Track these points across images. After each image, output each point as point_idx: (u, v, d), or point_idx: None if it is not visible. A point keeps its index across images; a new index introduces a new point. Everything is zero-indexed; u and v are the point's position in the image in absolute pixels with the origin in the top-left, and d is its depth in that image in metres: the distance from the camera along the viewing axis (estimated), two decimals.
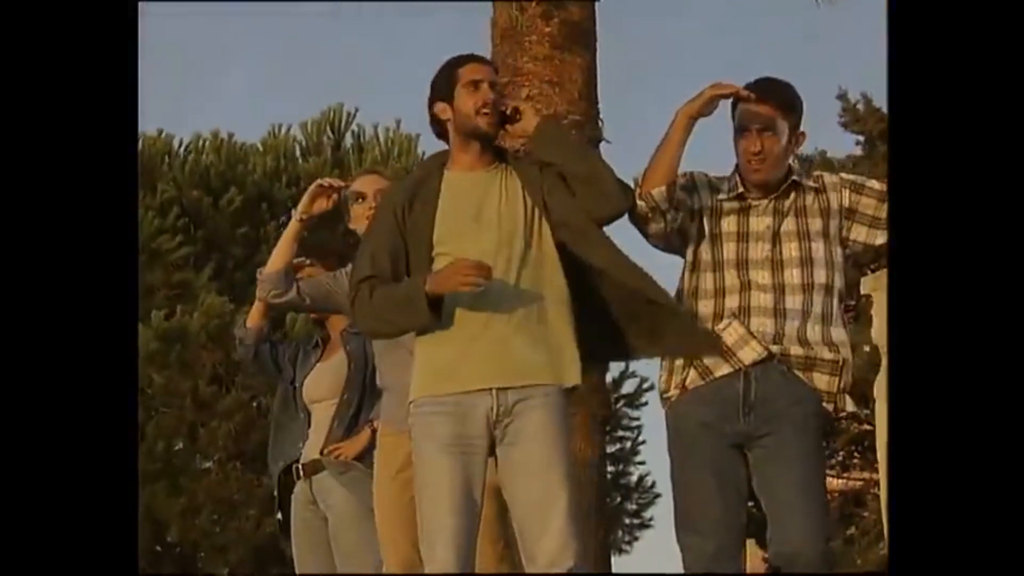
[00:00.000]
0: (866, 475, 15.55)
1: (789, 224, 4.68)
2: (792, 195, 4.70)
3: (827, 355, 4.64)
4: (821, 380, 4.65)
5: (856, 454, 15.79)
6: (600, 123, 9.33)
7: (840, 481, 16.03)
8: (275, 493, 6.06)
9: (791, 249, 4.66)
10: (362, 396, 5.74)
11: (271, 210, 14.24)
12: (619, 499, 15.27)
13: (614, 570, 9.87)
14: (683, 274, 4.81)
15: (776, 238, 4.67)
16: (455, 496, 4.38)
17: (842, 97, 17.83)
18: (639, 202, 4.65)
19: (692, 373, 4.67)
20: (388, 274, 4.54)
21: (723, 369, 4.63)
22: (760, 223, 4.69)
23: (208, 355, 13.35)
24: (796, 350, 4.62)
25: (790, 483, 4.56)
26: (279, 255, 5.37)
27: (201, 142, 14.69)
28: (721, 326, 4.65)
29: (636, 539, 15.45)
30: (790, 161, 4.73)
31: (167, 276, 13.40)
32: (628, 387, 15.29)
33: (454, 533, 4.36)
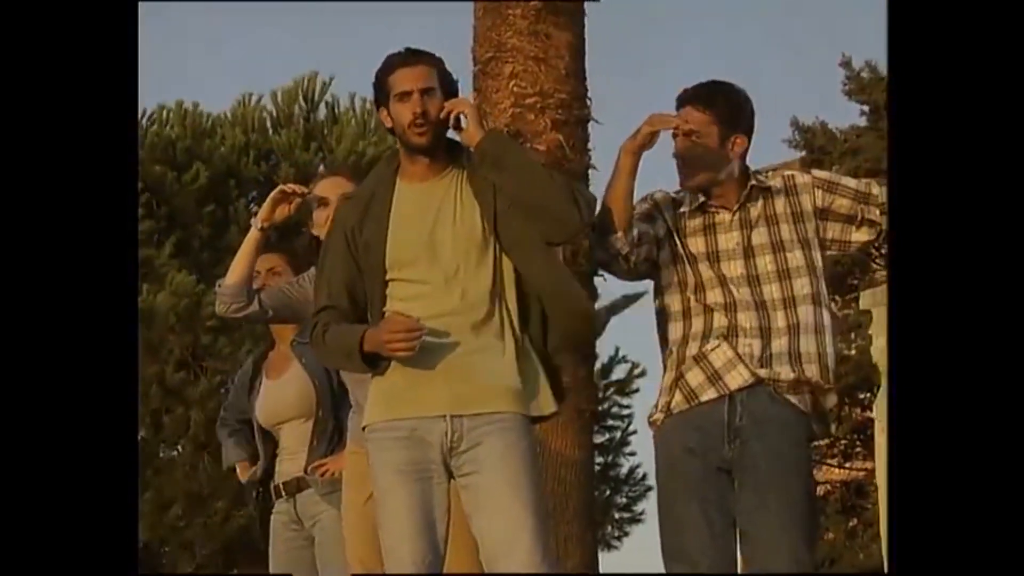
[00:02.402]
0: (868, 464, 15.59)
1: (760, 236, 4.73)
2: (760, 202, 4.75)
3: (817, 375, 4.69)
4: (812, 401, 4.70)
5: (858, 443, 15.85)
6: (588, 102, 9.31)
7: (842, 471, 16.10)
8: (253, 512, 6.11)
9: (766, 263, 4.71)
10: (336, 409, 5.74)
11: (239, 187, 14.20)
12: (608, 492, 15.29)
13: (603, 568, 9.89)
14: (660, 297, 4.83)
15: (748, 253, 4.72)
16: (413, 522, 4.41)
17: (846, 65, 17.82)
18: (599, 252, 4.71)
19: (678, 396, 4.71)
20: (345, 303, 4.56)
21: (709, 393, 4.67)
22: (729, 240, 4.73)
23: (176, 338, 13.32)
24: (785, 373, 4.65)
25: (771, 535, 4.60)
26: (239, 266, 5.32)
27: (165, 113, 14.61)
28: (709, 347, 4.69)
29: (626, 534, 15.47)
30: (742, 170, 4.76)
31: None
32: (619, 373, 15.30)
33: (414, 560, 4.41)
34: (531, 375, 4.51)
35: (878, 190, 4.75)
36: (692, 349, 4.71)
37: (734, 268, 4.71)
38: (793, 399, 4.65)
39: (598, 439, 14.67)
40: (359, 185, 5.02)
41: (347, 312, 4.57)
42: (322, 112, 14.89)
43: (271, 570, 5.94)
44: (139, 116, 14.44)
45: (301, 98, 15.00)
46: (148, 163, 13.98)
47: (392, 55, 4.60)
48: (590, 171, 9.28)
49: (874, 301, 4.72)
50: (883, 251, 7.13)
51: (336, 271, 4.58)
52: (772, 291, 4.69)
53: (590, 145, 9.29)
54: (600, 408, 14.72)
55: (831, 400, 4.74)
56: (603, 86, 9.50)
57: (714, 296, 4.71)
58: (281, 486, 5.87)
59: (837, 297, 17.27)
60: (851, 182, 4.81)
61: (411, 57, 4.55)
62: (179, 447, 13.74)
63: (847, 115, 20.26)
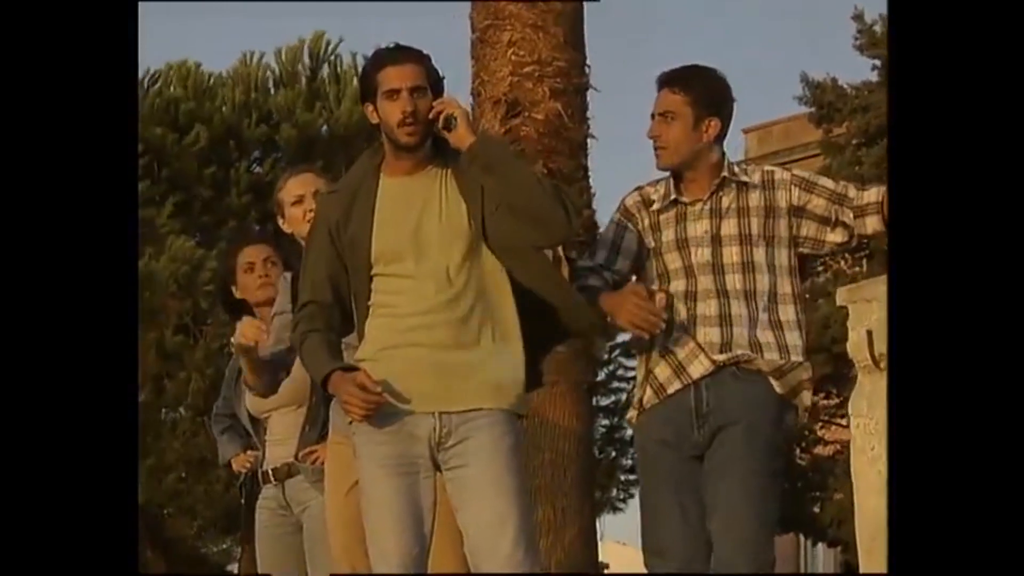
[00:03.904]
0: None
1: (729, 227, 4.81)
2: (733, 193, 4.83)
3: (778, 360, 4.77)
4: (776, 385, 4.78)
5: None
6: (587, 70, 9.32)
7: (848, 431, 16.13)
8: (242, 501, 6.16)
9: (732, 254, 4.79)
10: (328, 397, 5.80)
11: (240, 148, 14.23)
12: (614, 454, 15.39)
13: (608, 528, 9.96)
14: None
15: (716, 242, 4.80)
16: (399, 516, 4.48)
17: (858, 18, 17.75)
18: None
19: (648, 392, 4.82)
20: (328, 297, 4.62)
21: (675, 385, 4.78)
22: (698, 227, 4.82)
23: (175, 303, 13.40)
24: (745, 359, 4.75)
25: (731, 508, 4.70)
26: (257, 378, 5.58)
27: (167, 72, 14.64)
28: (674, 339, 4.78)
29: (631, 496, 15.57)
30: (719, 156, 4.84)
31: None
32: (624, 335, 15.36)
33: (399, 553, 4.47)
34: (517, 370, 4.55)
35: (854, 193, 4.80)
36: (659, 342, 4.80)
37: (701, 255, 4.80)
38: (758, 379, 4.76)
39: (604, 401, 14.76)
40: (327, 180, 5.11)
41: (330, 306, 4.62)
42: (325, 71, 14.89)
43: (258, 556, 6.01)
44: (140, 81, 14.45)
45: (305, 56, 15.00)
46: (149, 125, 14.01)
47: (380, 51, 4.62)
48: (588, 140, 9.32)
49: (850, 297, 4.74)
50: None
51: (319, 265, 4.63)
52: (735, 281, 4.77)
53: (589, 113, 9.32)
54: (606, 370, 14.78)
55: (796, 379, 4.79)
56: (602, 53, 9.50)
57: (678, 285, 4.80)
58: (270, 472, 5.92)
59: (847, 255, 17.30)
60: (828, 183, 4.88)
61: (400, 54, 4.57)
62: (180, 411, 13.84)
63: (858, 71, 20.19)
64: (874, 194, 4.75)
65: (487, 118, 9.08)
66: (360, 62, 14.81)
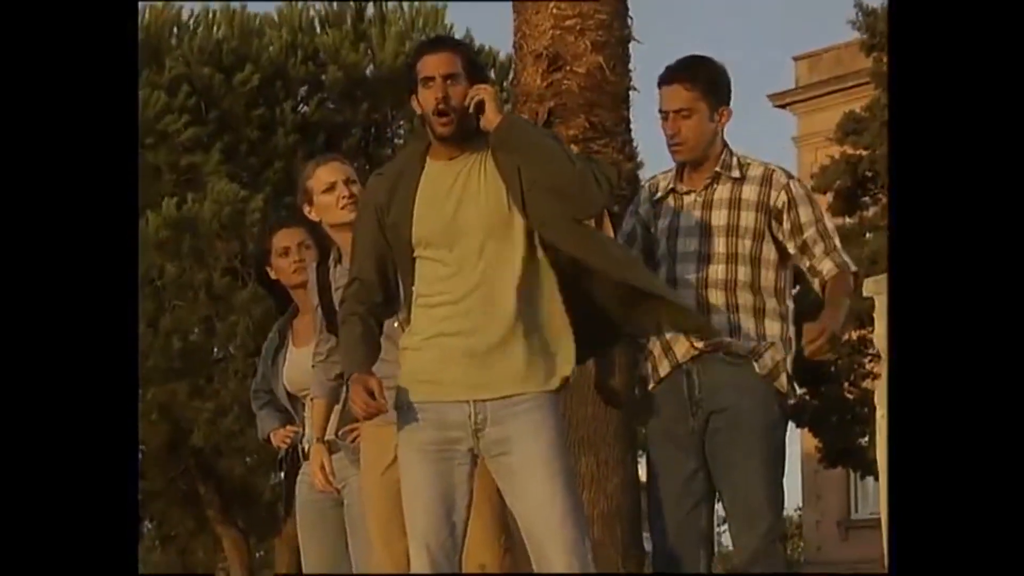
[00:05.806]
0: None
1: (720, 217, 4.98)
2: (729, 185, 5.00)
3: (754, 346, 4.93)
4: (755, 366, 4.95)
5: None
6: (629, 20, 9.32)
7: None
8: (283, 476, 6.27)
9: (719, 244, 4.96)
10: None
11: (286, 88, 14.36)
12: None
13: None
14: None
15: (705, 232, 4.98)
16: (429, 499, 4.65)
17: None
18: None
19: (648, 368, 5.01)
20: (372, 276, 4.80)
21: (664, 367, 4.97)
22: (690, 218, 5.01)
23: (222, 245, 13.59)
24: (724, 341, 4.90)
25: (736, 489, 4.93)
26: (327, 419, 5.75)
27: (212, 13, 14.75)
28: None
29: None
30: (721, 146, 5.01)
31: (174, 159, 13.58)
32: None
33: (425, 535, 4.65)
34: (559, 347, 4.67)
35: (819, 250, 4.94)
36: None
37: (688, 245, 4.98)
38: (744, 363, 4.93)
39: None
40: (353, 167, 5.34)
41: (374, 284, 4.80)
42: (370, 11, 14.96)
43: (299, 530, 6.14)
44: (186, 22, 14.58)
45: None
46: (196, 65, 14.15)
47: (421, 42, 4.85)
48: (630, 92, 9.35)
49: (877, 289, 4.83)
50: None
51: (365, 245, 4.81)
52: (718, 271, 4.94)
53: (631, 65, 9.32)
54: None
55: (772, 360, 4.94)
56: (643, 3, 9.48)
57: (667, 272, 4.98)
58: (310, 448, 6.03)
59: None
60: (808, 216, 4.99)
61: (436, 44, 4.76)
62: (230, 349, 14.06)
63: None
64: (829, 266, 4.94)
65: (529, 72, 9.14)
66: (406, 3, 14.93)
